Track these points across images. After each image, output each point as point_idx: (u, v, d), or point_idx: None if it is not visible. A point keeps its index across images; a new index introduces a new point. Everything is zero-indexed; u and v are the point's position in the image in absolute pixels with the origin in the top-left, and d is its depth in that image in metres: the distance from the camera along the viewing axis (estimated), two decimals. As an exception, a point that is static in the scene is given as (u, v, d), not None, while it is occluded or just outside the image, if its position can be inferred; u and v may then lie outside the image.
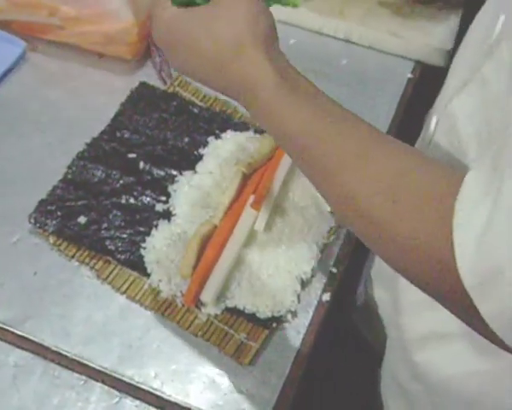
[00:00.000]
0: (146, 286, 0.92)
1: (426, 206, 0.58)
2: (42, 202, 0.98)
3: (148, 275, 0.93)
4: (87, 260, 0.95)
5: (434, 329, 0.85)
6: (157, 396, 0.84)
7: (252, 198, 0.96)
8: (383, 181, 0.61)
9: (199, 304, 0.90)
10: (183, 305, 0.90)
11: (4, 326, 0.89)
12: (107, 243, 0.95)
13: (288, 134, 0.68)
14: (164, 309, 0.90)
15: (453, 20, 1.17)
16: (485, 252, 0.54)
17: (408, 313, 0.89)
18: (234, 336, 0.88)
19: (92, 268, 0.94)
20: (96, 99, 1.15)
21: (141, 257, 0.94)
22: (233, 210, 0.96)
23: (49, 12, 1.15)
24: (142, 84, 1.14)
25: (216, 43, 0.70)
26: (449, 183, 0.58)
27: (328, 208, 0.99)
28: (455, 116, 0.75)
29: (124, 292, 0.92)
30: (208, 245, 0.93)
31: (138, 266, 0.93)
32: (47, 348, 0.88)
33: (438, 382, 0.85)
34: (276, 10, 1.22)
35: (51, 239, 0.96)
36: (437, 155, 0.79)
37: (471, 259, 0.55)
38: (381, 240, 0.62)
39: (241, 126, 1.08)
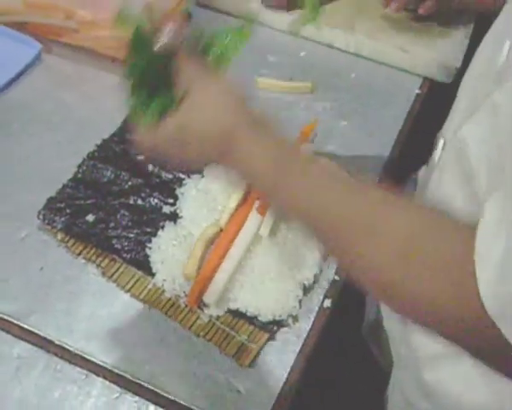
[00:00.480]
0: (150, 285, 0.94)
1: (442, 267, 0.59)
2: (51, 200, 1.00)
3: (153, 275, 0.94)
4: (93, 257, 0.96)
5: (446, 348, 0.85)
6: (156, 393, 0.85)
7: (257, 203, 0.97)
8: (395, 248, 0.62)
9: (201, 305, 0.92)
10: (186, 305, 0.92)
11: (10, 319, 0.91)
12: (114, 241, 0.96)
13: (297, 211, 0.70)
14: (167, 308, 0.92)
15: (463, 38, 1.19)
16: (506, 278, 0.55)
17: (420, 330, 0.89)
18: (235, 337, 0.90)
19: (98, 266, 0.95)
20: (107, 102, 1.16)
21: (146, 257, 0.95)
22: (239, 214, 0.97)
23: (66, 15, 1.18)
24: (154, 89, 1.16)
25: (204, 147, 0.74)
26: (462, 239, 0.59)
27: None
28: (465, 142, 0.76)
29: (128, 290, 0.94)
30: (213, 248, 0.94)
31: (143, 265, 0.95)
32: (50, 342, 0.89)
33: (448, 401, 0.85)
34: (289, 22, 1.25)
35: (59, 236, 0.97)
36: (444, 179, 0.80)
37: (493, 286, 0.56)
38: (403, 304, 0.64)
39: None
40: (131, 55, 0.79)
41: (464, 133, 0.76)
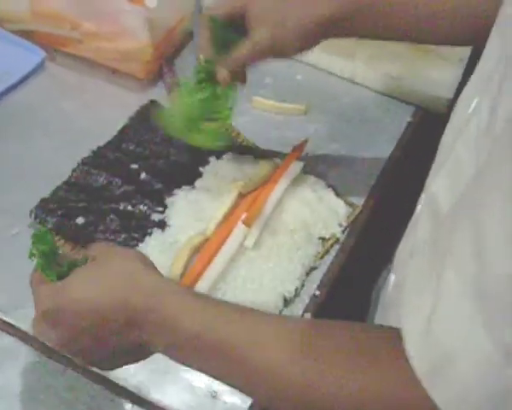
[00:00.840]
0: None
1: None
2: (44, 200, 1.03)
3: (140, 275, 0.96)
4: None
5: None
6: (131, 392, 0.87)
7: (244, 215, 1.00)
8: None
9: (184, 310, 0.94)
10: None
11: (-5, 312, 0.93)
12: (102, 244, 0.98)
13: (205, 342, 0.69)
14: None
15: (456, 70, 1.21)
16: (432, 341, 0.57)
17: None
18: (214, 342, 0.91)
19: (85, 266, 0.97)
20: (106, 112, 1.20)
21: (133, 259, 0.97)
22: (225, 225, 0.99)
23: (72, 26, 1.21)
24: (152, 102, 1.19)
25: (101, 291, 0.72)
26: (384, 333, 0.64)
27: (317, 234, 1.02)
28: (435, 195, 0.78)
29: (115, 292, 0.95)
30: (198, 255, 0.96)
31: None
32: (33, 337, 0.91)
33: None
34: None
35: (49, 235, 1.00)
36: (419, 233, 0.82)
37: (420, 349, 0.58)
38: None
39: (243, 150, 1.12)
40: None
41: (434, 187, 0.78)
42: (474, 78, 0.81)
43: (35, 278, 0.79)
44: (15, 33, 1.25)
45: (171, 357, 0.73)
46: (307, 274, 1.00)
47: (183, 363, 0.74)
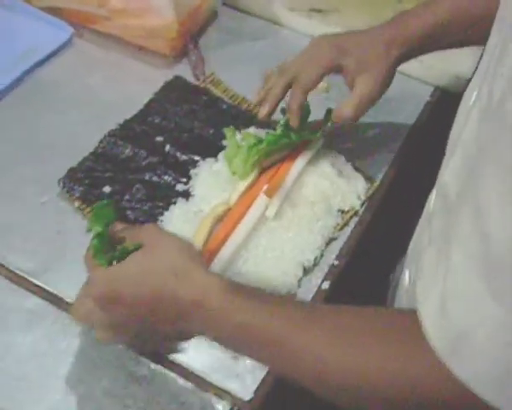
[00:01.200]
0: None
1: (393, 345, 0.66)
2: (72, 170, 1.06)
3: (163, 246, 0.99)
4: (108, 225, 1.02)
5: None
6: (156, 353, 0.90)
7: (266, 187, 1.02)
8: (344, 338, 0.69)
9: (206, 276, 0.97)
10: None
11: (24, 275, 0.96)
12: (128, 212, 1.02)
13: (250, 333, 0.73)
14: (174, 277, 0.97)
15: (475, 50, 1.23)
16: (447, 320, 0.60)
17: None
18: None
19: (112, 233, 1.01)
20: (132, 87, 1.23)
21: (158, 228, 1.01)
22: (248, 195, 1.02)
23: (99, 3, 1.24)
24: (177, 78, 1.22)
25: (155, 282, 0.76)
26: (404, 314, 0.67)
27: (337, 207, 1.05)
28: (447, 185, 0.80)
29: (139, 258, 0.99)
30: (221, 224, 0.99)
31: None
32: (60, 299, 0.95)
33: None
34: (309, 26, 1.31)
35: (76, 203, 1.03)
36: (434, 225, 0.83)
37: (438, 329, 0.61)
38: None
39: (264, 125, 1.14)
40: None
41: (445, 177, 0.81)
42: (477, 72, 0.84)
43: (90, 259, 0.83)
44: (44, 10, 1.29)
45: (219, 344, 0.79)
46: (326, 245, 1.02)
47: (232, 350, 0.80)
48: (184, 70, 1.25)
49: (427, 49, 1.06)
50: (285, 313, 0.74)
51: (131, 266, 0.77)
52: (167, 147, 1.10)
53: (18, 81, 1.20)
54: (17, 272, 0.97)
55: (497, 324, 0.57)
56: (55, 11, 1.29)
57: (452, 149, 0.80)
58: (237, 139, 1.06)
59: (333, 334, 0.70)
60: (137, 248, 0.79)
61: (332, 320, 0.72)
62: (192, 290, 0.75)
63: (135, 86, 1.23)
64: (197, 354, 0.90)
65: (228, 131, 1.07)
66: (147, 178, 1.06)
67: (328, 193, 1.05)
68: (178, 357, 0.90)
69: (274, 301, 0.77)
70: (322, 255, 1.01)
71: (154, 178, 1.06)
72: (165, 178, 1.06)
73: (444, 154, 0.88)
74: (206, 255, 0.96)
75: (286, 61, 1.06)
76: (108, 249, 0.81)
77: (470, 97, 0.78)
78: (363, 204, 1.08)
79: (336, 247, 1.03)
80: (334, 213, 1.04)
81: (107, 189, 1.04)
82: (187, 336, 0.84)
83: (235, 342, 0.77)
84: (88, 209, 1.02)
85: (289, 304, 0.78)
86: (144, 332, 0.82)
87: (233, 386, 0.88)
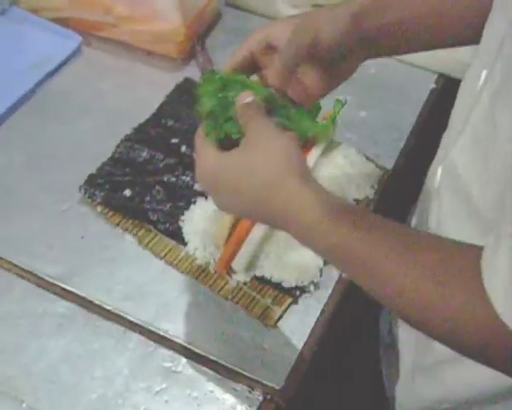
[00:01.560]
0: (182, 254, 1.01)
1: (467, 286, 0.65)
2: (92, 176, 1.08)
3: (185, 244, 1.02)
4: (130, 227, 1.04)
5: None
6: (188, 348, 0.93)
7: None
8: (428, 270, 0.68)
9: (230, 271, 0.99)
10: (216, 272, 0.99)
11: (53, 281, 0.99)
12: (150, 213, 1.04)
13: (337, 247, 0.74)
14: (198, 274, 0.99)
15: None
16: None
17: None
18: (260, 300, 0.97)
19: (135, 235, 1.03)
20: (143, 92, 1.25)
21: (179, 228, 1.03)
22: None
23: (105, 10, 1.27)
24: (187, 80, 1.24)
25: (256, 183, 0.76)
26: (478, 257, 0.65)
27: (352, 196, 1.07)
28: (455, 165, 0.82)
29: (162, 258, 1.01)
30: (242, 220, 1.02)
31: (176, 235, 1.02)
32: (90, 302, 0.97)
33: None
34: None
35: (99, 208, 1.06)
36: (444, 203, 0.86)
37: (508, 302, 0.61)
38: (433, 323, 0.69)
39: (275, 122, 1.17)
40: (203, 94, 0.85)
41: (454, 156, 0.83)
42: (479, 51, 0.86)
43: (200, 139, 0.85)
44: (53, 21, 1.31)
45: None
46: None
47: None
48: (193, 72, 1.27)
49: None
50: (377, 238, 0.73)
51: (233, 162, 0.79)
52: (183, 148, 1.12)
53: (31, 92, 1.22)
54: (45, 277, 0.99)
55: None
56: (62, 21, 1.31)
57: (459, 128, 0.82)
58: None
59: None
60: (240, 138, 0.80)
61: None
62: (286, 205, 0.75)
63: (145, 91, 1.25)
64: (227, 347, 0.93)
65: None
66: (165, 179, 1.08)
67: (343, 184, 1.08)
68: (209, 352, 0.92)
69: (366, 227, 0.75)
70: (341, 245, 1.04)
71: (173, 179, 1.08)
72: (184, 178, 1.08)
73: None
74: (228, 252, 0.99)
75: None
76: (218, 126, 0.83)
77: (477, 78, 0.80)
78: (376, 193, 1.10)
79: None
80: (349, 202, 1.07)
81: (127, 192, 1.06)
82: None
83: (327, 257, 0.80)
84: (111, 213, 1.05)
85: (381, 229, 0.75)
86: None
87: (264, 376, 0.90)
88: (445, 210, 0.87)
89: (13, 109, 1.19)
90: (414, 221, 1.01)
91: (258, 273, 0.99)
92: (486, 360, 0.68)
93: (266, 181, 0.76)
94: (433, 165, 0.96)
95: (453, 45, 0.97)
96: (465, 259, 0.67)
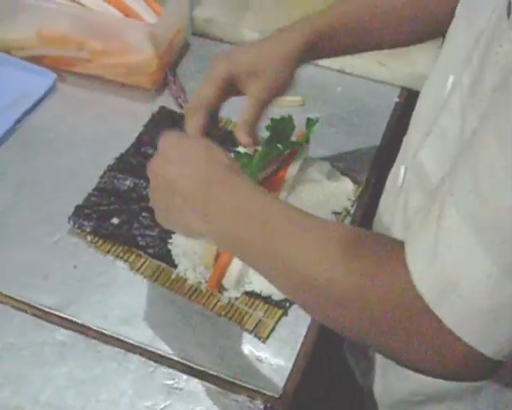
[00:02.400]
0: (174, 275, 1.05)
1: (382, 268, 0.68)
2: (79, 207, 1.12)
3: (176, 266, 1.06)
4: (121, 254, 1.08)
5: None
6: (187, 365, 0.97)
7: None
8: (335, 255, 0.70)
9: (221, 289, 1.03)
10: (207, 290, 1.03)
11: (50, 310, 1.02)
12: (139, 239, 1.08)
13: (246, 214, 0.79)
14: (191, 294, 1.03)
15: (433, 49, 1.32)
16: (436, 270, 0.63)
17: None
18: (252, 314, 1.01)
19: (126, 261, 1.07)
20: (119, 123, 1.29)
21: (168, 251, 1.07)
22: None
23: (78, 47, 1.30)
24: (162, 108, 1.29)
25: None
26: (395, 242, 0.70)
27: (331, 209, 1.13)
28: (422, 164, 0.87)
29: (155, 281, 1.05)
30: (227, 239, 1.06)
31: (166, 258, 1.06)
32: (88, 328, 1.00)
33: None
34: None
35: (89, 238, 1.09)
36: (410, 200, 0.91)
37: (426, 278, 0.64)
38: (348, 316, 0.71)
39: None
40: None
41: (421, 156, 0.88)
42: (442, 59, 0.92)
43: None
44: (25, 59, 1.34)
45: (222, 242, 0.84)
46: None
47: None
48: (167, 101, 1.32)
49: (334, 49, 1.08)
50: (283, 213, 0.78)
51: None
52: (165, 174, 1.16)
53: (11, 130, 1.25)
54: (42, 308, 1.02)
55: (484, 274, 0.60)
56: (35, 59, 1.34)
57: (426, 130, 0.87)
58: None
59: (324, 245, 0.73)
60: None
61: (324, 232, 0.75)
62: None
63: (122, 121, 1.29)
64: (225, 361, 0.97)
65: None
66: (150, 205, 1.12)
67: (321, 198, 1.13)
68: (208, 367, 0.97)
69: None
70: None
71: (158, 205, 1.12)
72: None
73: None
74: (218, 270, 1.03)
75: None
76: None
77: (444, 82, 0.85)
78: (353, 204, 1.15)
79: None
80: (329, 215, 1.12)
81: (115, 220, 1.10)
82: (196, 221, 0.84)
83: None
84: (101, 241, 1.09)
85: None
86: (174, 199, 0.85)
87: (263, 386, 0.95)
88: (412, 207, 0.91)
89: (-6, 148, 1.23)
90: (378, 220, 1.05)
91: (248, 288, 1.03)
92: (412, 355, 0.69)
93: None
94: (395, 166, 1.01)
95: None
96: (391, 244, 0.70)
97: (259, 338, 1.00)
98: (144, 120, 1.27)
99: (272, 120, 1.12)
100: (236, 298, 1.03)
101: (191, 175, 0.83)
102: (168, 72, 1.33)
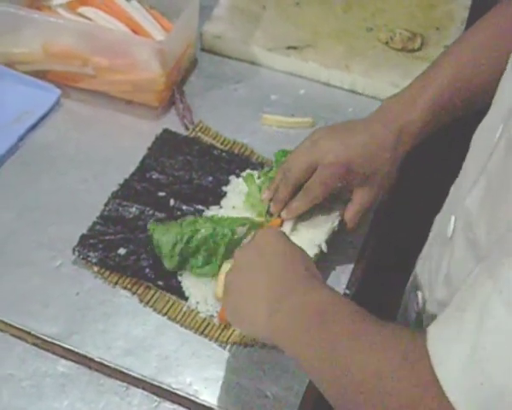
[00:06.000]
0: (185, 308, 1.02)
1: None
2: (84, 237, 1.08)
3: (186, 298, 1.03)
4: (129, 286, 1.05)
5: None
6: (192, 401, 0.94)
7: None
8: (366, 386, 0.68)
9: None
10: (220, 324, 1.01)
11: (52, 340, 0.99)
12: (147, 271, 1.05)
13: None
14: (203, 328, 1.01)
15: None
16: (480, 377, 0.57)
17: None
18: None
19: (134, 293, 1.04)
20: (124, 141, 1.26)
21: (178, 283, 1.04)
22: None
23: (83, 62, 1.27)
24: (165, 131, 1.25)
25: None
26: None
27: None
28: (469, 212, 0.84)
29: (165, 314, 1.02)
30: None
31: (177, 290, 1.04)
32: (91, 360, 0.98)
33: None
34: (288, 63, 1.36)
35: (95, 268, 1.06)
36: (456, 249, 0.88)
37: (465, 389, 0.58)
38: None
39: (258, 166, 1.19)
40: None
41: (468, 204, 0.85)
42: (494, 107, 0.88)
43: None
44: (30, 74, 1.31)
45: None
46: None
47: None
48: (173, 120, 1.29)
49: (437, 127, 1.07)
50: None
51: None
52: (171, 201, 1.13)
53: (14, 147, 1.22)
54: (43, 337, 0.99)
55: None
56: (39, 74, 1.31)
57: (474, 178, 0.84)
58: (257, 183, 1.11)
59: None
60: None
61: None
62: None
63: (127, 140, 1.26)
64: (230, 397, 0.95)
65: (247, 178, 1.12)
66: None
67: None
68: (213, 403, 0.94)
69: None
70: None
71: (165, 234, 1.09)
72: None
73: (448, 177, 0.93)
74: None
75: (288, 162, 1.06)
76: None
77: (494, 131, 0.82)
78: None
79: (345, 278, 1.08)
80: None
81: (122, 250, 1.07)
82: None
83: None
84: (107, 273, 1.06)
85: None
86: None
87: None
88: (457, 257, 0.88)
89: (-2, 164, 1.20)
90: (422, 267, 1.03)
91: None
92: None
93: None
94: (445, 213, 0.99)
95: None
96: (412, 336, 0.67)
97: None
98: (150, 138, 1.23)
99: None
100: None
101: (276, 275, 0.84)
102: (175, 89, 1.30)
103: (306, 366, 0.78)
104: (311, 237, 1.06)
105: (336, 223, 1.07)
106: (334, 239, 1.07)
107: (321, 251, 1.05)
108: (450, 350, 0.60)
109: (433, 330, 0.64)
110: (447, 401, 0.59)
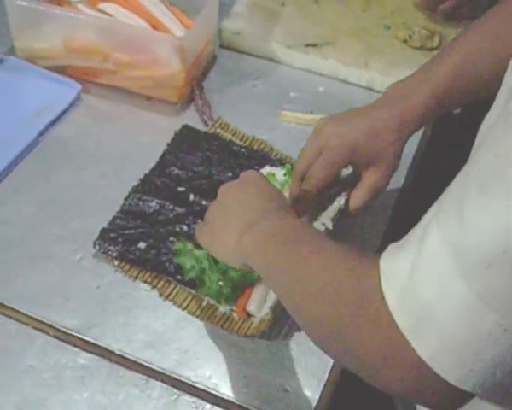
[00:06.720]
0: (204, 302, 1.03)
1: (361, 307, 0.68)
2: (104, 231, 1.09)
3: (207, 293, 1.04)
4: (149, 279, 1.05)
5: None
6: (211, 394, 0.95)
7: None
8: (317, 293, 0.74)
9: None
10: (239, 318, 1.01)
11: (72, 333, 1.00)
12: (167, 265, 1.05)
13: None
14: (223, 322, 1.00)
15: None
16: (413, 297, 0.62)
17: None
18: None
19: (154, 287, 1.05)
20: (144, 137, 1.27)
21: (198, 277, 1.05)
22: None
23: (103, 58, 1.28)
24: (185, 127, 1.26)
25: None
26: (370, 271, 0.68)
27: None
28: None
29: (185, 308, 1.02)
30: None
31: (197, 284, 1.04)
32: (111, 352, 0.98)
33: None
34: (307, 60, 1.36)
35: (115, 262, 1.07)
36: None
37: (402, 302, 0.63)
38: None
39: (278, 162, 1.19)
40: None
41: None
42: (499, 101, 0.88)
43: None
44: (50, 69, 1.32)
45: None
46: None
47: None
48: (192, 116, 1.30)
49: (440, 112, 1.06)
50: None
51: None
52: (191, 196, 1.14)
53: (35, 142, 1.23)
54: (64, 329, 1.00)
55: (463, 304, 0.58)
56: (59, 69, 1.32)
57: None
58: (277, 180, 1.11)
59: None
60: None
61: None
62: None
63: (147, 135, 1.27)
64: (250, 390, 0.95)
65: (268, 178, 1.11)
66: (177, 229, 1.09)
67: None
68: (233, 397, 0.95)
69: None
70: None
71: (185, 229, 1.10)
72: (195, 227, 1.09)
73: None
74: (245, 296, 1.01)
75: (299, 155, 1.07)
76: None
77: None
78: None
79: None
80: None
81: (142, 245, 1.07)
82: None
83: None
84: (128, 266, 1.06)
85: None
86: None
87: (289, 416, 0.93)
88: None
89: (18, 159, 1.20)
90: None
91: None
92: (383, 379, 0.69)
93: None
94: None
95: None
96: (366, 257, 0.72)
97: (285, 368, 0.97)
98: (168, 135, 1.24)
99: None
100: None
101: (251, 206, 0.92)
102: (195, 85, 1.30)
103: (273, 281, 0.86)
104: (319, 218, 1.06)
105: (342, 202, 1.06)
106: (340, 219, 1.07)
107: (326, 229, 1.04)
108: (396, 268, 0.65)
109: (389, 249, 0.69)
110: (387, 310, 0.64)
